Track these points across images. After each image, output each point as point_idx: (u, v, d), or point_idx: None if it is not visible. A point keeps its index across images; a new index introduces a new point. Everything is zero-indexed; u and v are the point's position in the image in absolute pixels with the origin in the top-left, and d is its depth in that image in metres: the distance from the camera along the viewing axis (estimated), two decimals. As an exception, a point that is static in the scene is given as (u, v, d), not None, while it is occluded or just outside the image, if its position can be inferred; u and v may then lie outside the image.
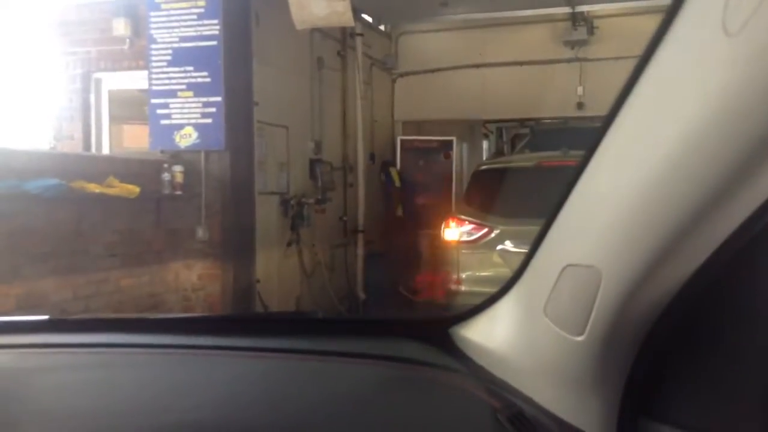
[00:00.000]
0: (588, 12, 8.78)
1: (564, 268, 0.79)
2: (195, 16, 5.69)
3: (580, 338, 0.76)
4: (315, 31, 7.23)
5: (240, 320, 1.48)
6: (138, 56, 6.13)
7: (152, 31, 5.80)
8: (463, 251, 5.65)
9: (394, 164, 8.95)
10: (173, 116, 5.77)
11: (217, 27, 5.65)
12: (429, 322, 1.25)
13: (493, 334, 1.02)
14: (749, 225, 0.60)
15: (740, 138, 0.53)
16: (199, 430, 0.84)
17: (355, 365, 1.09)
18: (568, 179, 0.79)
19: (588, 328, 0.74)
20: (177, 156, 5.75)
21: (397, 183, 8.57)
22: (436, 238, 7.47)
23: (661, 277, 0.66)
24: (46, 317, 1.28)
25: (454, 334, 1.14)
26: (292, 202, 6.90)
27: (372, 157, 8.90)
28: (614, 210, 0.68)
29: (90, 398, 0.97)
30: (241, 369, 1.09)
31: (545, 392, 0.87)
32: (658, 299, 0.68)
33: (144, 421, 0.88)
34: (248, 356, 1.13)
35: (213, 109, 5.68)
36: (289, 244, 6.93)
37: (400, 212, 8.55)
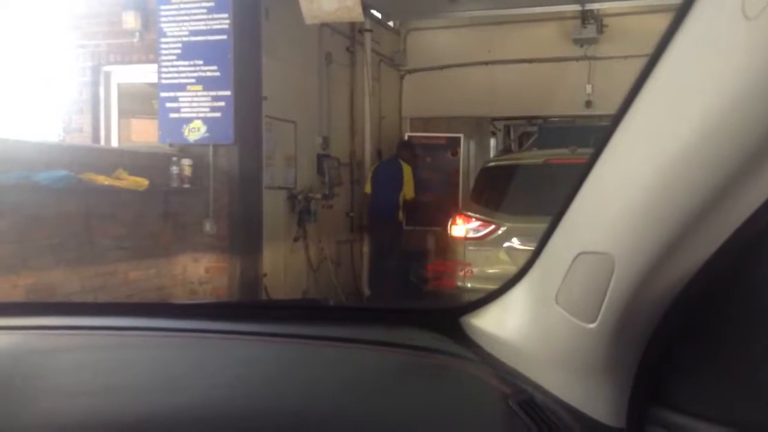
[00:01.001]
0: (598, 10, 8.75)
1: (577, 256, 0.79)
2: (205, 10, 5.70)
3: (592, 325, 0.76)
4: (324, 26, 7.24)
5: (252, 306, 1.49)
6: (148, 50, 6.15)
7: (162, 25, 5.81)
8: (470, 248, 5.65)
9: (408, 150, 8.32)
10: (182, 110, 5.79)
11: (227, 21, 5.66)
12: (439, 312, 1.25)
13: (504, 322, 1.02)
14: (763, 213, 0.60)
15: (757, 124, 0.53)
16: (212, 410, 0.85)
17: (366, 351, 1.09)
18: (575, 177, 0.79)
19: (600, 315, 0.74)
20: (186, 149, 5.77)
21: (367, 189, 8.05)
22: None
23: (674, 264, 0.66)
24: (64, 301, 1.30)
25: (464, 323, 1.14)
26: (299, 197, 6.92)
27: (379, 153, 8.89)
28: (629, 196, 0.68)
29: (106, 377, 0.98)
30: (252, 353, 1.10)
31: (556, 379, 0.87)
32: (671, 286, 0.68)
33: (158, 399, 0.89)
34: (260, 341, 1.14)
35: (222, 103, 5.70)
36: (295, 239, 6.94)
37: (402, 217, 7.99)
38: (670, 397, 0.76)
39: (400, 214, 7.89)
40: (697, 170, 0.59)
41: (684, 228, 0.63)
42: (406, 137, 8.86)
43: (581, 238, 0.80)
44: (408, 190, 7.86)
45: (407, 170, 7.88)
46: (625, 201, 0.69)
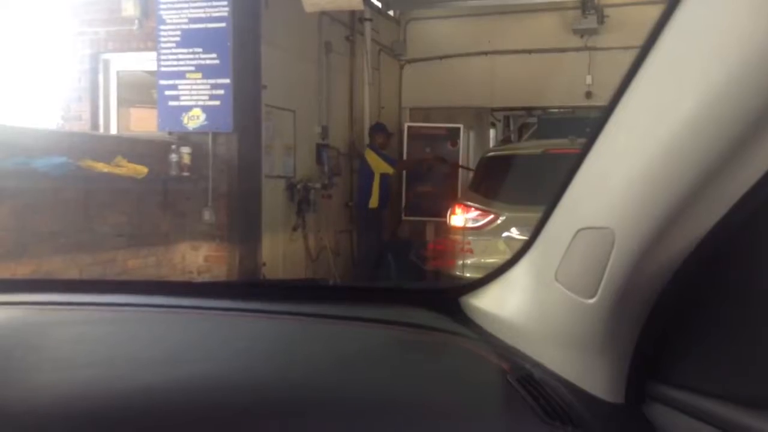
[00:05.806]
0: (598, 0, 8.73)
1: (577, 232, 0.79)
2: (204, -3, 5.68)
3: (591, 301, 0.76)
4: (324, 15, 7.21)
5: (253, 285, 1.50)
6: (147, 37, 6.12)
7: (161, 12, 5.78)
8: (469, 237, 5.65)
9: (379, 134, 8.04)
10: (181, 98, 5.77)
11: (227, 9, 5.63)
12: (439, 292, 1.25)
13: (504, 301, 1.02)
14: (764, 186, 0.60)
15: (759, 92, 0.53)
16: (212, 381, 0.86)
17: (365, 328, 1.10)
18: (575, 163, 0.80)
19: (600, 289, 0.74)
20: (185, 137, 5.75)
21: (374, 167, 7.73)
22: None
23: (674, 238, 0.66)
24: (67, 278, 1.31)
25: (464, 303, 1.15)
26: (298, 186, 6.91)
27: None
28: (629, 170, 0.68)
29: (107, 350, 0.98)
30: (252, 329, 1.10)
31: (555, 356, 0.87)
32: (671, 260, 0.68)
33: (159, 371, 0.89)
34: (260, 317, 1.15)
35: (221, 91, 5.68)
36: (294, 229, 6.95)
37: (375, 203, 7.74)
38: (669, 373, 0.76)
39: (372, 201, 7.72)
40: (697, 141, 0.59)
41: (685, 200, 0.63)
42: (375, 123, 8.47)
43: (581, 215, 0.80)
44: (381, 169, 7.73)
45: (371, 156, 7.79)
46: (625, 174, 0.69)
